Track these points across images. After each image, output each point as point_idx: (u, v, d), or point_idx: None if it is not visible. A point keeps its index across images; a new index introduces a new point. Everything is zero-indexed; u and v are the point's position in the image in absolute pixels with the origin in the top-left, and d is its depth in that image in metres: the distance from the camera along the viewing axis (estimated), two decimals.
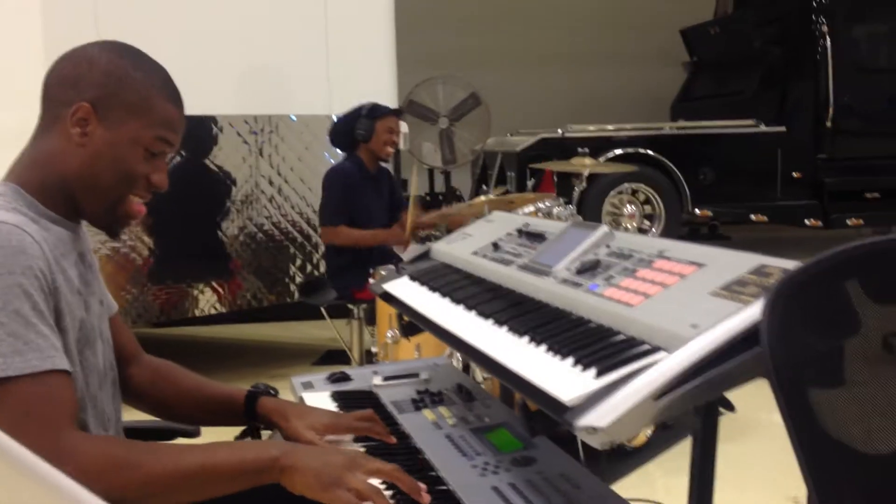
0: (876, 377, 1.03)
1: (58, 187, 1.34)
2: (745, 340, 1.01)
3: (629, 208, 7.11)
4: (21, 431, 1.11)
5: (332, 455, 1.27)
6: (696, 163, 7.33)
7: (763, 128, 7.53)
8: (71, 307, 1.29)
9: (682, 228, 7.37)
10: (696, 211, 7.25)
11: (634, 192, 7.17)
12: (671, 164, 7.22)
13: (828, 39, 7.43)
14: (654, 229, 7.13)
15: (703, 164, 7.36)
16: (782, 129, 7.54)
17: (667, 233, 6.97)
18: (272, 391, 1.63)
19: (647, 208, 7.22)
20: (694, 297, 1.14)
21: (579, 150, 4.18)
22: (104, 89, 1.34)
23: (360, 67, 4.94)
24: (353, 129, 4.04)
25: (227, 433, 1.55)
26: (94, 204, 1.37)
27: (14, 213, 1.26)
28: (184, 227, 4.43)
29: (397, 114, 4.18)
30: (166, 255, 4.37)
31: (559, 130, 7.21)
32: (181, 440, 1.60)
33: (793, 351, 0.95)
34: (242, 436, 1.59)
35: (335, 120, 4.21)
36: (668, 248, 1.36)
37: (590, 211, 6.70)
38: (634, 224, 7.05)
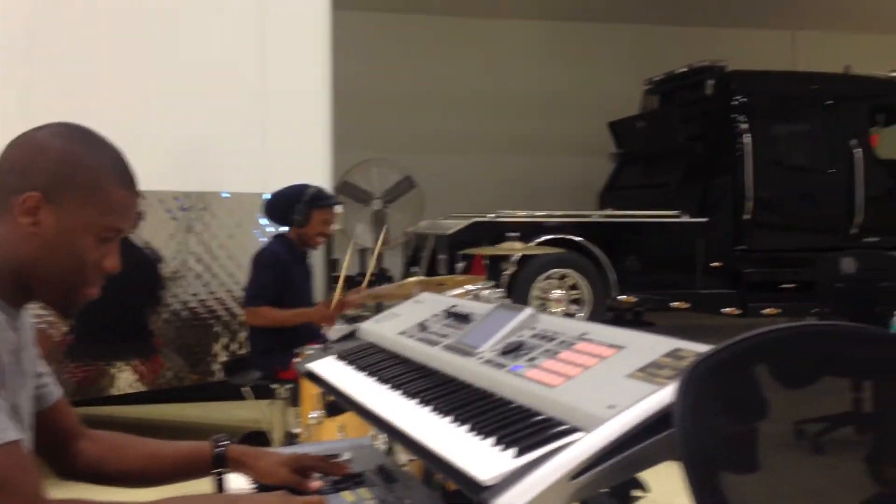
0: (785, 463, 1.07)
1: (7, 271, 1.33)
2: (660, 422, 1.04)
3: (557, 293, 7.21)
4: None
5: (270, 496, 1.43)
6: (622, 250, 7.51)
7: (686, 219, 7.79)
8: (7, 389, 1.28)
9: (608, 314, 7.50)
10: (621, 297, 7.40)
11: (562, 277, 7.29)
12: (598, 251, 7.38)
13: (747, 137, 7.78)
14: (580, 314, 7.23)
15: (628, 251, 7.54)
16: (704, 220, 7.80)
17: (593, 317, 7.07)
18: (231, 440, 1.65)
19: (575, 293, 7.33)
20: (612, 379, 1.17)
21: (507, 234, 4.25)
22: (56, 177, 1.31)
23: (297, 147, 4.97)
24: (290, 209, 4.03)
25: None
26: (48, 291, 1.37)
27: None
28: (105, 303, 4.33)
29: (336, 205, 4.20)
30: (85, 331, 4.25)
31: (491, 215, 7.33)
32: None
33: (704, 433, 0.98)
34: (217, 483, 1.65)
35: (272, 194, 4.20)
36: (590, 331, 1.39)
37: (519, 295, 6.77)
38: (562, 308, 7.14)
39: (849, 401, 1.12)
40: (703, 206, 7.92)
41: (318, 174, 4.85)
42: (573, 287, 7.33)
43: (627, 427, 1.03)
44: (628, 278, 7.46)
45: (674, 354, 1.17)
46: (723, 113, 7.98)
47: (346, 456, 1.83)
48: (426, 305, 1.98)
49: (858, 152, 7.99)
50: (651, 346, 1.23)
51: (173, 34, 4.67)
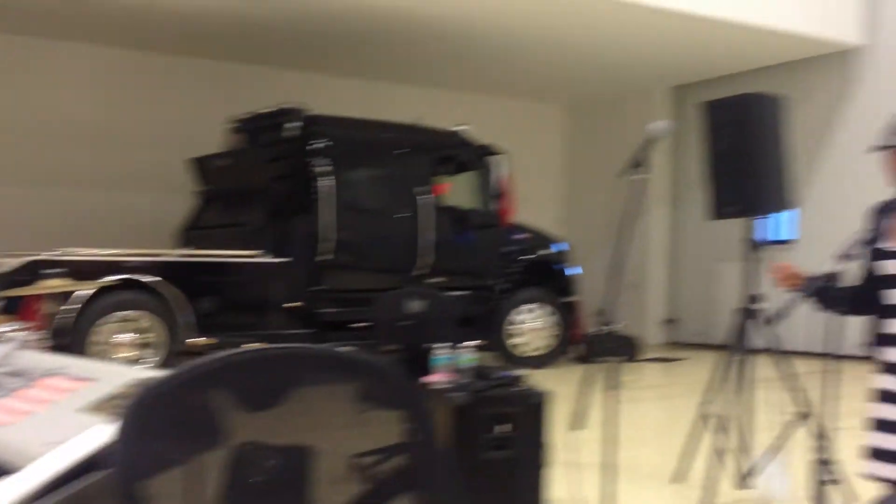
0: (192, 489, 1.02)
1: None
2: (105, 457, 0.96)
3: (121, 337, 6.77)
4: None
5: None
6: (200, 290, 7.31)
7: (268, 259, 7.83)
8: None
9: (183, 357, 7.23)
10: (199, 339, 7.18)
11: (132, 320, 6.87)
12: (173, 292, 7.11)
13: (325, 179, 8.07)
14: (152, 359, 6.87)
15: (208, 292, 7.38)
16: (285, 260, 7.91)
17: (168, 362, 6.76)
18: None
19: (149, 336, 6.96)
20: (66, 414, 1.07)
21: (41, 271, 3.87)
22: None
23: None
24: None
25: None
26: None
27: None
28: None
29: None
30: None
31: (52, 253, 6.69)
32: None
33: (145, 465, 0.91)
34: None
35: None
36: (69, 366, 1.28)
37: (77, 340, 6.24)
38: (128, 354, 6.72)
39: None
40: (284, 246, 8.02)
41: None
42: (147, 330, 6.95)
43: (62, 465, 0.93)
44: (208, 320, 7.27)
45: (139, 385, 1.10)
46: (303, 155, 8.20)
47: None
48: None
49: (424, 199, 8.69)
50: (122, 377, 1.15)
51: None
